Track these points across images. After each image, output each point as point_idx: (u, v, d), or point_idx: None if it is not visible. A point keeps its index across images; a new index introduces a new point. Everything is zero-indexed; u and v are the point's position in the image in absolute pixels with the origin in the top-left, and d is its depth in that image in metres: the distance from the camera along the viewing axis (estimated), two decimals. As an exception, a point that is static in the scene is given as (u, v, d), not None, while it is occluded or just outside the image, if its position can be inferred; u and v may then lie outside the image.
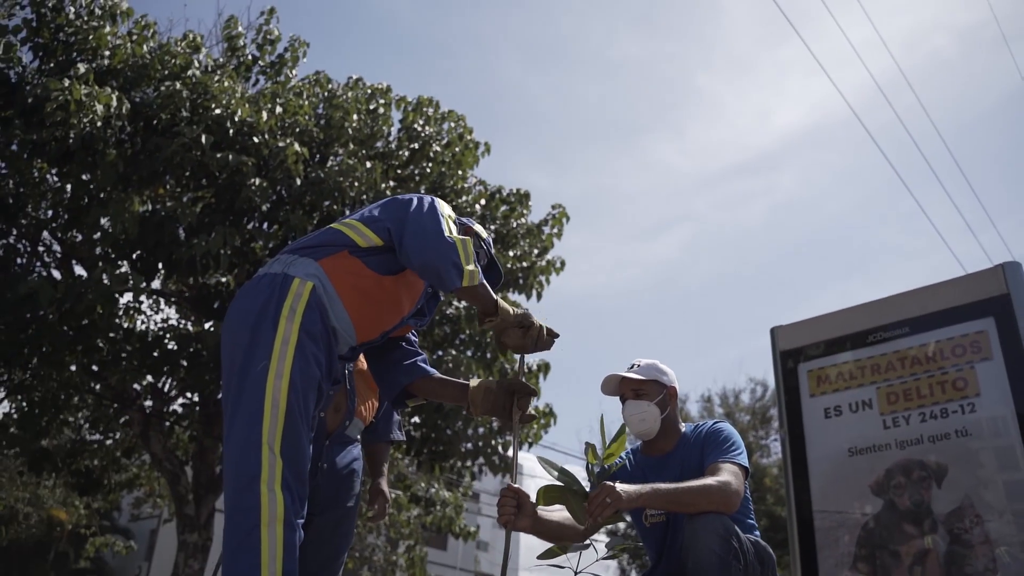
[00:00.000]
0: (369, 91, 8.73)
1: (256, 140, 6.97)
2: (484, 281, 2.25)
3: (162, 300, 8.65)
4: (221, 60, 8.35)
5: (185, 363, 7.17)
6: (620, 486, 2.14)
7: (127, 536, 21.23)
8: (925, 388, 3.59)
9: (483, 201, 8.89)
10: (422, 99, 8.98)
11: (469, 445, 8.55)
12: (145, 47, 7.38)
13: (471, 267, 2.16)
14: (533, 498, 2.36)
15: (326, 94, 8.48)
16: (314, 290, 2.14)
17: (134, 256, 7.07)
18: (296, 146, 6.95)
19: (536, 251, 9.03)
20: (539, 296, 8.91)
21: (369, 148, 8.35)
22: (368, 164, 7.57)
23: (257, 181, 6.82)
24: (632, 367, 2.70)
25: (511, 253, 8.73)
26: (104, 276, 6.04)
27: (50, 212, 7.47)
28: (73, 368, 7.59)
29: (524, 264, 8.81)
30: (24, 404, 7.98)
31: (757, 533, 2.50)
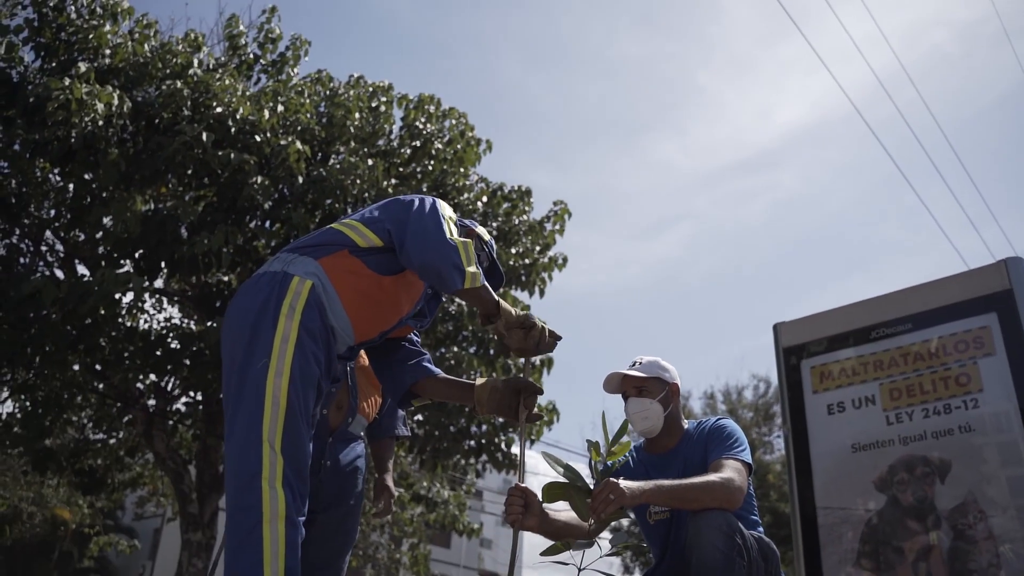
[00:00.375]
0: (371, 89, 8.73)
1: (258, 138, 6.97)
2: (486, 283, 2.25)
3: (165, 299, 8.66)
4: (223, 59, 8.34)
5: (188, 362, 7.17)
6: (623, 483, 2.14)
7: (131, 535, 21.27)
8: (928, 384, 3.59)
9: (485, 198, 8.88)
10: (424, 97, 8.97)
11: (472, 443, 8.56)
12: (146, 46, 7.38)
13: (472, 269, 2.15)
14: (538, 495, 2.36)
15: (328, 92, 8.48)
16: (313, 288, 2.13)
17: (136, 255, 7.08)
18: (298, 144, 6.95)
19: (538, 248, 9.03)
20: (541, 293, 8.91)
21: (371, 146, 8.35)
22: (370, 162, 7.56)
23: (259, 179, 6.82)
24: (634, 365, 2.69)
25: (513, 250, 8.72)
26: (106, 276, 6.04)
27: (52, 212, 7.48)
28: (76, 367, 7.60)
29: (526, 261, 8.80)
30: (27, 404, 7.99)
31: (761, 529, 2.50)
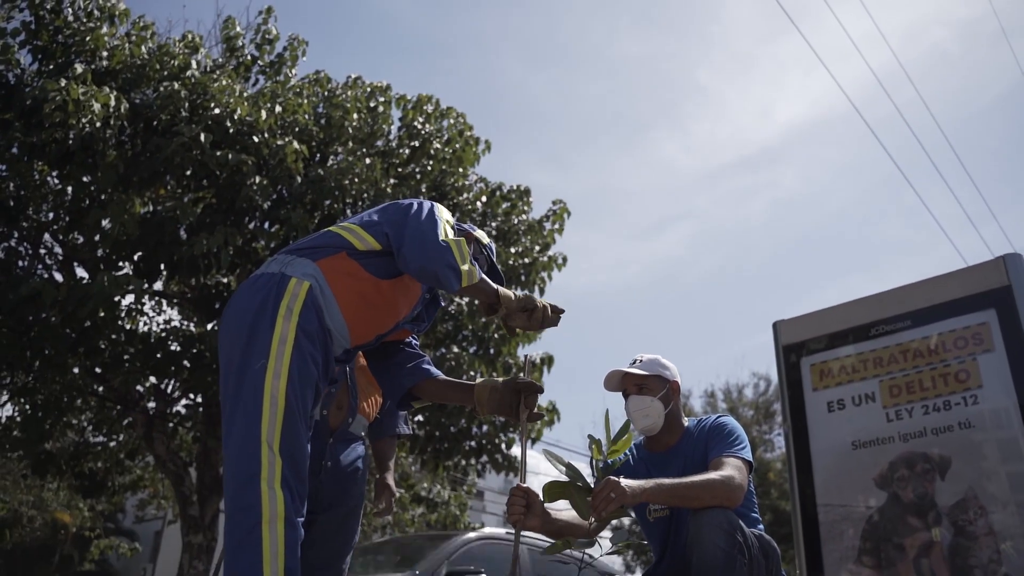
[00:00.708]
0: (369, 89, 8.73)
1: (256, 139, 6.97)
2: (483, 275, 2.26)
3: (164, 301, 8.66)
4: (220, 60, 8.34)
5: (188, 364, 7.18)
6: (624, 481, 2.14)
7: (131, 538, 21.23)
8: (928, 381, 3.58)
9: (484, 198, 8.89)
10: (422, 97, 8.97)
11: (472, 443, 8.56)
12: (144, 48, 7.38)
13: (466, 266, 2.16)
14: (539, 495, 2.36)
15: (326, 93, 8.48)
16: (311, 290, 2.13)
17: (135, 257, 7.07)
18: (295, 144, 6.95)
19: (537, 247, 9.04)
20: (541, 292, 8.94)
21: (369, 147, 8.35)
22: (367, 161, 7.56)
23: (257, 180, 6.82)
24: (634, 363, 2.69)
25: (512, 250, 8.73)
26: (106, 279, 6.04)
27: (51, 214, 7.47)
28: (76, 370, 7.60)
29: (526, 260, 8.81)
30: (27, 407, 7.97)
31: (761, 527, 2.50)
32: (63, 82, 5.99)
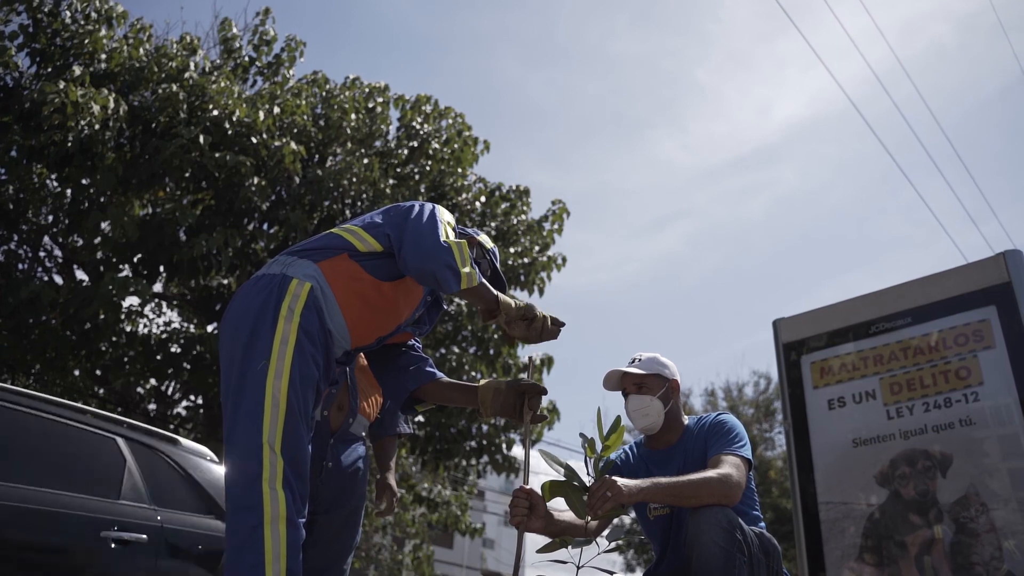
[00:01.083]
0: (367, 90, 8.73)
1: (254, 140, 6.97)
2: (483, 280, 2.25)
3: (164, 303, 8.66)
4: (218, 62, 8.34)
5: (188, 366, 7.18)
6: (620, 480, 2.14)
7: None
8: (928, 378, 3.58)
9: (483, 198, 8.88)
10: (420, 97, 8.97)
11: (473, 443, 8.56)
12: (142, 50, 7.38)
13: (467, 269, 2.16)
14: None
15: (324, 94, 8.48)
16: (312, 291, 2.13)
17: (135, 259, 7.08)
18: (293, 145, 6.95)
19: (537, 247, 9.03)
20: (541, 292, 8.93)
21: (368, 147, 8.35)
22: (366, 161, 7.56)
23: (256, 180, 6.82)
24: (633, 362, 2.69)
25: (512, 250, 8.73)
26: (111, 282, 6.04)
27: (50, 217, 7.48)
28: (77, 373, 7.61)
29: (525, 260, 8.81)
30: (28, 409, 7.97)
31: (762, 525, 2.49)
32: (61, 84, 6.00)
